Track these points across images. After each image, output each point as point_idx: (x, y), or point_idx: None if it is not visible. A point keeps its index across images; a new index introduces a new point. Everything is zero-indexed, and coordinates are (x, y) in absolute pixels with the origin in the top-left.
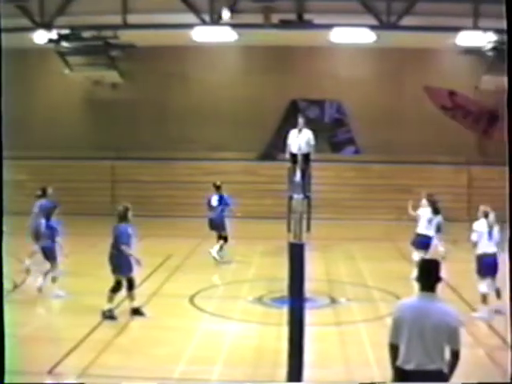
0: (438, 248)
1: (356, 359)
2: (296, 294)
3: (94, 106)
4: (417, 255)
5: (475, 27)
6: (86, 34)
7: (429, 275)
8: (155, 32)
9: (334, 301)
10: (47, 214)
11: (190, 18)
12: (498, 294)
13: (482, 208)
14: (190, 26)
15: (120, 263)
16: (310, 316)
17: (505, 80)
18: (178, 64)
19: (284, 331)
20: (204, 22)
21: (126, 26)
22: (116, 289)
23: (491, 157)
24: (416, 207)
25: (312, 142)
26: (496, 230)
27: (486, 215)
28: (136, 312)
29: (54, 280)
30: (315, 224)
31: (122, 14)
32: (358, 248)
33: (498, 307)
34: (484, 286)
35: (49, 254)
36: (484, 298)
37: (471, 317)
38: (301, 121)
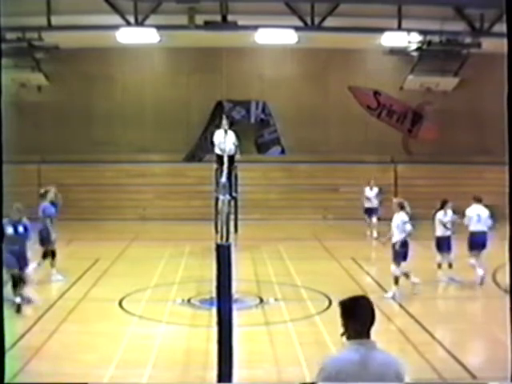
0: None
1: (286, 359)
2: (224, 295)
3: (20, 109)
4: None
5: (399, 28)
6: (10, 35)
7: (363, 317)
8: (80, 33)
9: (262, 301)
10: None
11: (115, 19)
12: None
13: (396, 200)
14: (115, 27)
15: None
16: (239, 317)
17: (440, 80)
18: (102, 66)
19: (213, 332)
20: (128, 24)
21: (50, 27)
22: None
23: (416, 155)
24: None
25: (236, 142)
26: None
27: (401, 207)
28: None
29: None
30: (243, 224)
31: (47, 16)
32: (285, 248)
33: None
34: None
35: None
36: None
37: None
38: (224, 122)
